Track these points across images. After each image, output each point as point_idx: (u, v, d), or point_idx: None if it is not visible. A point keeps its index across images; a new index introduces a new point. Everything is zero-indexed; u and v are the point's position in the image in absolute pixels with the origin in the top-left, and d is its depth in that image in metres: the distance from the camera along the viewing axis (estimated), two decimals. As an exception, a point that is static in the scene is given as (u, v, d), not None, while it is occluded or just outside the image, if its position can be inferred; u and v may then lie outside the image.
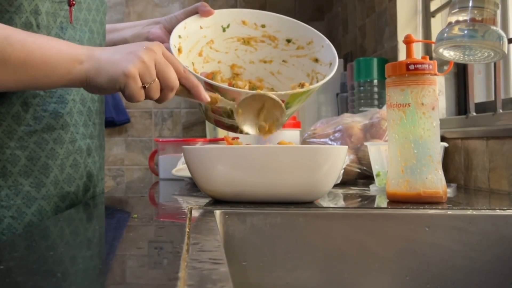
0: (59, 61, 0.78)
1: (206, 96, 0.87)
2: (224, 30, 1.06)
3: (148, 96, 0.82)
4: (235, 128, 0.95)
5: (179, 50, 0.98)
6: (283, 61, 1.08)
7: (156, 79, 0.81)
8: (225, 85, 0.93)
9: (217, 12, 1.04)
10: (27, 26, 0.85)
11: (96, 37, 0.98)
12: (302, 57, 1.06)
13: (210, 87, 0.90)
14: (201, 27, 1.03)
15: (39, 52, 0.77)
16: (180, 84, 0.85)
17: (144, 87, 0.80)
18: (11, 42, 0.76)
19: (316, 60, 1.04)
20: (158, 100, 0.85)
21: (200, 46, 1.04)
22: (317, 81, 1.02)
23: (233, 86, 0.99)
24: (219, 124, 0.96)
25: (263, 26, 1.07)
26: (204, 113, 0.97)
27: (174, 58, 0.85)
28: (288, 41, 1.07)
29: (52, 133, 0.89)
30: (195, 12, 1.04)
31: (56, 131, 0.89)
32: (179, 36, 0.99)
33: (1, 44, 0.75)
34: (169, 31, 1.07)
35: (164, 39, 1.07)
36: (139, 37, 1.09)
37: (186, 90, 0.87)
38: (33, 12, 0.85)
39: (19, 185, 0.86)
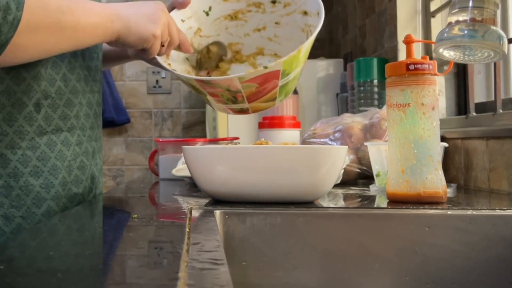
0: (97, 23, 0.86)
1: (190, 48, 1.02)
2: (207, 14, 1.05)
3: (161, 52, 0.96)
4: (245, 111, 0.96)
5: (166, 56, 0.98)
6: (276, 23, 1.07)
7: (169, 37, 0.95)
8: (214, 77, 0.95)
9: (193, 1, 1.04)
10: None
11: None
12: (292, 13, 1.04)
13: (203, 82, 0.92)
14: (182, 21, 1.03)
15: (83, 17, 0.84)
16: None
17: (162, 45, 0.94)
18: (63, 11, 0.82)
19: (305, 13, 1.03)
20: (160, 53, 0.96)
21: (189, 39, 1.04)
22: (311, 34, 1.00)
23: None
24: (230, 111, 0.98)
25: None
26: (212, 105, 0.98)
27: (171, 18, 0.96)
28: (273, 2, 1.05)
29: (60, 135, 0.90)
30: (172, 8, 1.04)
31: (63, 133, 0.91)
32: None
33: (56, 14, 0.80)
34: None
35: None
36: None
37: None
38: None
39: (30, 186, 0.87)
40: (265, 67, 0.89)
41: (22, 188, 0.86)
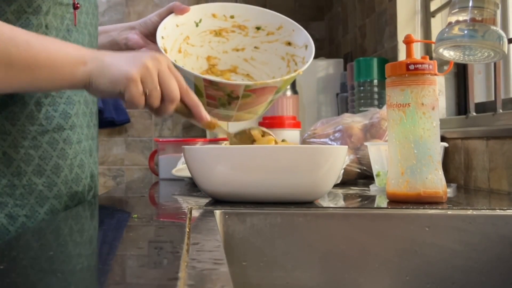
0: (63, 63, 0.77)
1: (207, 116, 0.87)
2: (197, 25, 1.09)
3: (148, 103, 0.81)
4: (229, 117, 0.99)
5: (165, 50, 1.00)
6: (255, 47, 1.12)
7: (158, 87, 0.81)
8: (224, 80, 0.97)
9: (189, 9, 1.08)
10: (39, 27, 0.86)
11: (93, 40, 0.99)
12: (273, 42, 1.10)
13: (209, 84, 0.93)
14: (177, 25, 1.06)
15: (44, 54, 0.76)
16: (181, 101, 0.85)
17: (145, 93, 0.80)
18: (17, 43, 0.74)
19: (289, 44, 1.08)
20: (158, 112, 0.84)
21: (178, 44, 1.07)
22: (295, 64, 1.06)
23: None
24: (214, 116, 0.98)
25: (231, 17, 1.10)
26: None
27: (178, 74, 0.85)
28: (258, 28, 1.10)
29: (62, 133, 0.90)
30: (169, 12, 1.05)
31: (66, 132, 0.91)
32: (162, 37, 1.01)
33: (6, 46, 0.74)
34: (145, 35, 1.08)
35: (143, 44, 1.07)
36: (116, 44, 1.08)
37: (186, 108, 0.86)
38: (47, 14, 0.85)
39: (33, 185, 0.87)
40: (269, 81, 0.95)
41: (26, 187, 0.87)
